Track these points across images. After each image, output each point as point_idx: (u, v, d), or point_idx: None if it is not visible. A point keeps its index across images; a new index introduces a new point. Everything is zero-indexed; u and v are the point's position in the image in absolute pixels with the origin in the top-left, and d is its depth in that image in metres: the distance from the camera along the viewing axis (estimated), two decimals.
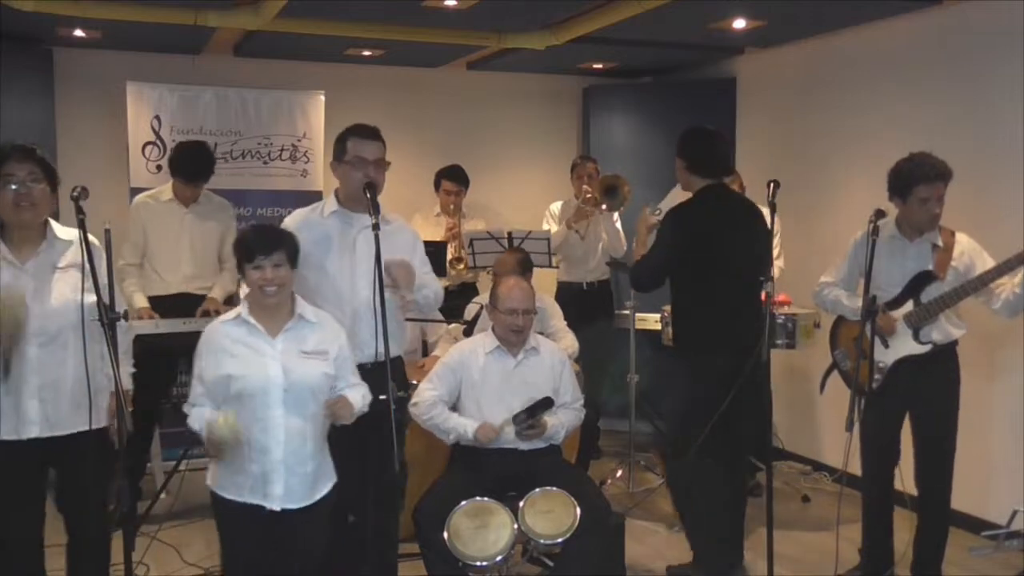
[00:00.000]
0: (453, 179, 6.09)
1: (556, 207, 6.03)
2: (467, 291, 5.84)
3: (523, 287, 3.92)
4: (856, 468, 3.86)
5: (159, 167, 5.82)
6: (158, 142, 5.86)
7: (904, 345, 3.80)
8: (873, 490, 3.94)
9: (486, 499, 3.59)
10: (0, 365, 2.99)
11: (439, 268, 5.55)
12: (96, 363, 3.06)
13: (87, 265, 2.88)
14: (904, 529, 3.98)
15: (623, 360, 5.52)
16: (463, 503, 3.55)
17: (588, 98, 7.09)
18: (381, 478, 3.34)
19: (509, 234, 5.48)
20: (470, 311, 4.87)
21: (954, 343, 3.83)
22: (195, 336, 3.11)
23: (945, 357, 3.83)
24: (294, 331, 3.01)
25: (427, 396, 3.87)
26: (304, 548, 3.07)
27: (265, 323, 2.99)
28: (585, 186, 5.75)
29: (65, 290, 3.07)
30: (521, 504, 3.58)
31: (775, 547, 3.61)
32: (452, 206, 6.07)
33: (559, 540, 3.52)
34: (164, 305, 4.84)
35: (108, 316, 2.79)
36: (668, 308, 4.58)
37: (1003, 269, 3.61)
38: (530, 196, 6.82)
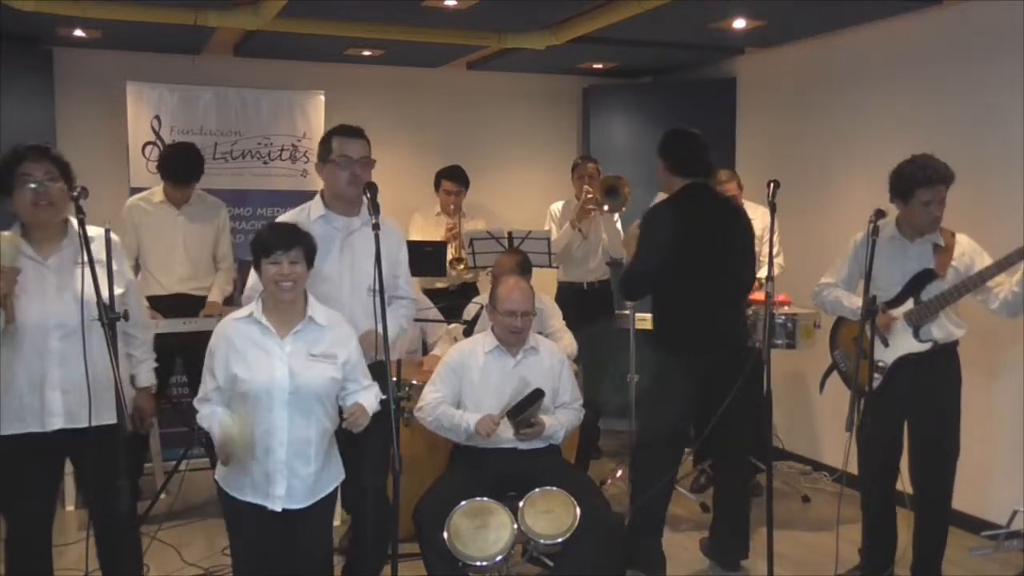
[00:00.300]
0: (453, 179, 6.09)
1: (557, 207, 6.03)
2: (467, 291, 5.85)
3: (523, 288, 3.92)
4: (856, 468, 3.86)
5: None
6: (158, 142, 5.86)
7: (904, 344, 3.80)
8: (873, 490, 3.94)
9: (486, 499, 3.59)
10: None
11: (439, 268, 5.56)
12: (120, 358, 3.11)
13: (87, 265, 2.88)
14: (904, 529, 3.98)
15: (623, 360, 5.52)
16: (463, 503, 3.55)
17: (588, 98, 7.09)
18: (376, 475, 3.36)
19: (509, 234, 5.48)
20: (470, 311, 4.87)
21: (955, 343, 3.83)
22: (194, 336, 3.12)
23: (946, 357, 3.82)
24: (304, 333, 3.02)
25: (431, 399, 3.87)
26: (307, 548, 3.09)
27: (276, 323, 3.00)
28: (586, 186, 5.75)
29: (85, 286, 3.07)
30: (521, 504, 3.58)
31: (775, 547, 3.61)
32: (452, 206, 6.06)
33: (559, 540, 3.51)
34: (161, 306, 4.85)
35: (108, 316, 2.79)
36: None
37: (1003, 265, 3.61)
38: (530, 196, 6.83)
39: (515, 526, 3.51)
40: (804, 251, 5.52)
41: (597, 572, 3.59)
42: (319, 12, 5.20)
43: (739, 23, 5.33)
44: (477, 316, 4.65)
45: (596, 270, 6.01)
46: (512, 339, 3.88)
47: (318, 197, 3.56)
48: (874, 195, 3.97)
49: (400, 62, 6.63)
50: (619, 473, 5.55)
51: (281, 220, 3.50)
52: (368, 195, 3.27)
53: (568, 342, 4.81)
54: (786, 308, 5.03)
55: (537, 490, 3.63)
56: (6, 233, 2.98)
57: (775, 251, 5.39)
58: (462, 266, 5.90)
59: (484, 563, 3.45)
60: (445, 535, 3.47)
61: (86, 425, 2.99)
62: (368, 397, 3.09)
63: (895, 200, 3.76)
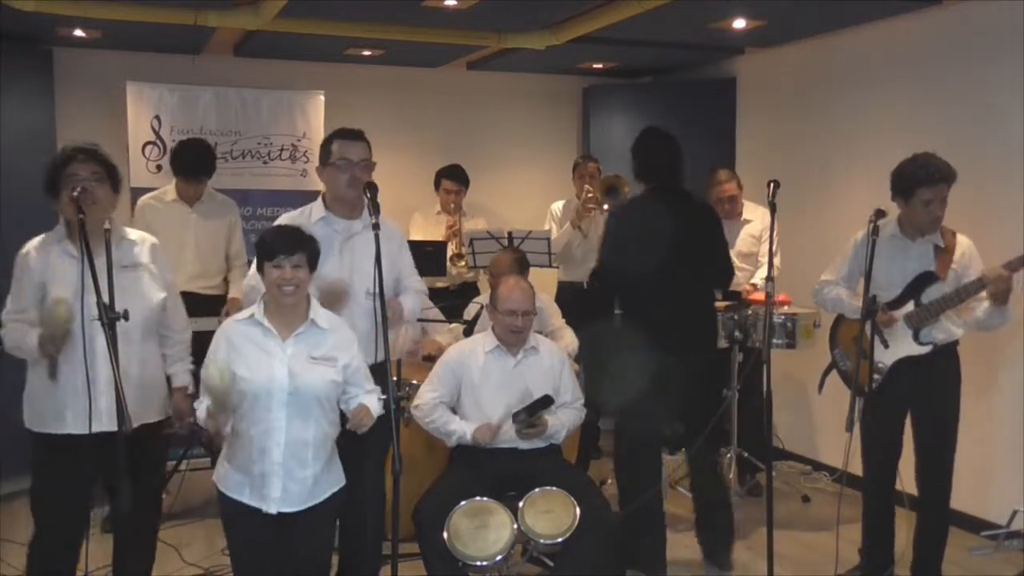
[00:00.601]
0: (453, 178, 6.10)
1: (558, 207, 6.03)
2: (468, 291, 5.85)
3: (523, 288, 3.92)
4: (856, 468, 3.86)
5: (159, 167, 5.83)
6: (158, 142, 5.87)
7: (904, 345, 3.80)
8: (873, 490, 3.94)
9: (486, 499, 3.59)
10: (47, 366, 3.06)
11: (439, 268, 5.56)
12: (157, 360, 3.25)
13: (87, 265, 2.89)
14: (904, 529, 3.98)
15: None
16: (463, 503, 3.55)
17: (588, 98, 7.08)
18: (377, 476, 3.36)
19: (509, 234, 5.48)
20: (470, 311, 4.87)
21: (955, 343, 3.83)
22: (200, 336, 3.13)
23: (945, 357, 3.82)
24: (305, 336, 3.02)
25: (428, 399, 3.87)
26: (304, 554, 3.07)
27: (278, 325, 3.00)
28: (587, 186, 5.76)
29: (126, 288, 3.11)
30: (521, 504, 3.58)
31: (775, 547, 3.61)
32: (452, 205, 6.07)
33: (559, 540, 3.51)
34: None
35: (108, 316, 2.79)
36: None
37: (1012, 268, 3.60)
38: (530, 196, 6.82)
39: (515, 526, 3.51)
40: (804, 251, 5.52)
41: (597, 572, 3.59)
42: (319, 12, 5.20)
43: (739, 23, 5.33)
44: (477, 316, 4.65)
45: None
46: (512, 339, 3.88)
47: (320, 199, 3.57)
48: (874, 195, 3.97)
49: (400, 62, 6.63)
50: None
51: (281, 221, 3.51)
52: (368, 195, 3.28)
53: (569, 340, 4.81)
54: (786, 308, 5.03)
55: (537, 490, 3.63)
56: (61, 298, 2.99)
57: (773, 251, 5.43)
58: (463, 263, 5.90)
59: (484, 563, 3.45)
60: (445, 535, 3.47)
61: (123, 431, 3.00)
62: (371, 400, 3.08)
63: (896, 199, 3.75)
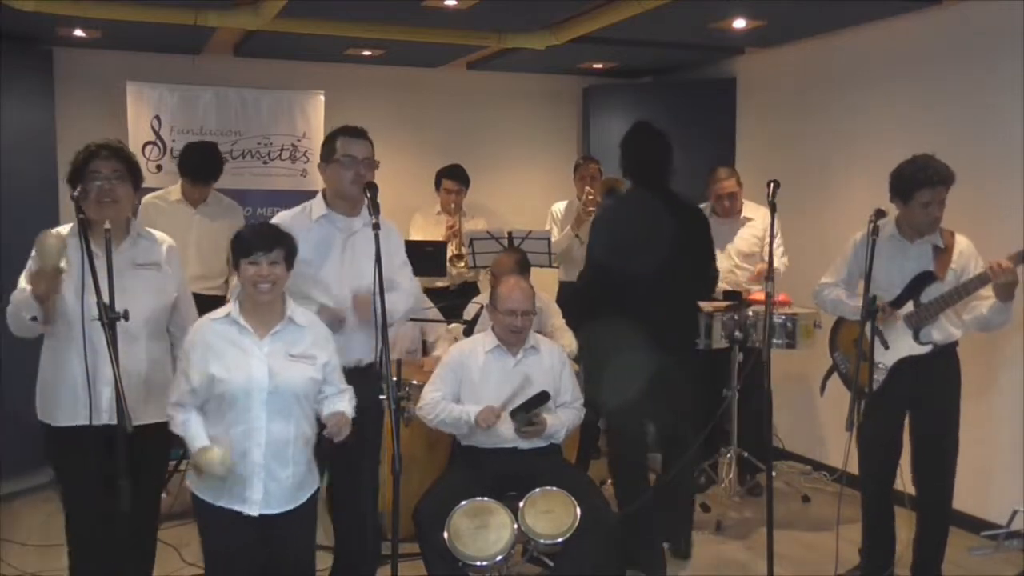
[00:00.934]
0: (454, 178, 6.10)
1: (559, 207, 6.02)
2: (468, 290, 5.85)
3: (523, 288, 3.93)
4: (856, 468, 3.86)
5: (159, 167, 5.83)
6: (158, 142, 5.87)
7: (904, 346, 3.80)
8: (873, 490, 3.95)
9: (486, 499, 3.59)
10: (40, 313, 3.01)
11: (439, 268, 5.56)
12: (164, 360, 3.22)
13: (86, 265, 2.89)
14: (904, 529, 3.98)
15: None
16: (463, 503, 3.55)
17: (588, 98, 7.09)
18: (373, 476, 3.38)
19: (509, 234, 5.48)
20: (470, 311, 4.87)
21: (954, 343, 3.83)
22: None
23: (945, 357, 3.83)
24: (283, 333, 2.97)
25: (431, 398, 3.88)
26: (289, 556, 3.02)
27: (254, 324, 2.95)
28: (588, 187, 5.76)
29: (140, 286, 3.13)
30: (521, 504, 3.58)
31: (775, 547, 3.61)
32: (453, 205, 6.08)
33: (559, 540, 3.52)
34: None
35: (108, 316, 2.79)
36: None
37: (1016, 261, 3.60)
38: (530, 196, 6.83)
39: (515, 526, 3.51)
40: (804, 251, 5.51)
41: (597, 572, 3.59)
42: (319, 12, 5.20)
43: (739, 23, 5.33)
44: (477, 316, 4.65)
45: None
46: (513, 338, 3.89)
47: (319, 197, 3.56)
48: (874, 195, 3.97)
49: (400, 62, 6.63)
50: None
51: (281, 218, 3.51)
52: (368, 195, 3.28)
53: (568, 339, 4.81)
54: (786, 308, 5.03)
55: (537, 490, 3.63)
56: (53, 231, 2.99)
57: (780, 250, 5.44)
58: (462, 263, 5.90)
59: (484, 563, 3.45)
60: (445, 535, 3.47)
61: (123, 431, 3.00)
62: (344, 403, 3.04)
63: (895, 200, 3.75)
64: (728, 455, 5.27)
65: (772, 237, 3.79)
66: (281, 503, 2.94)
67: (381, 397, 3.06)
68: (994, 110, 4.66)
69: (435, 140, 6.86)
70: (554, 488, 3.63)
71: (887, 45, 5.28)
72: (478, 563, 3.45)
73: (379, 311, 3.12)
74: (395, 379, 3.53)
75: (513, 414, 3.75)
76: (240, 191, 5.95)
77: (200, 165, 5.00)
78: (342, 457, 3.55)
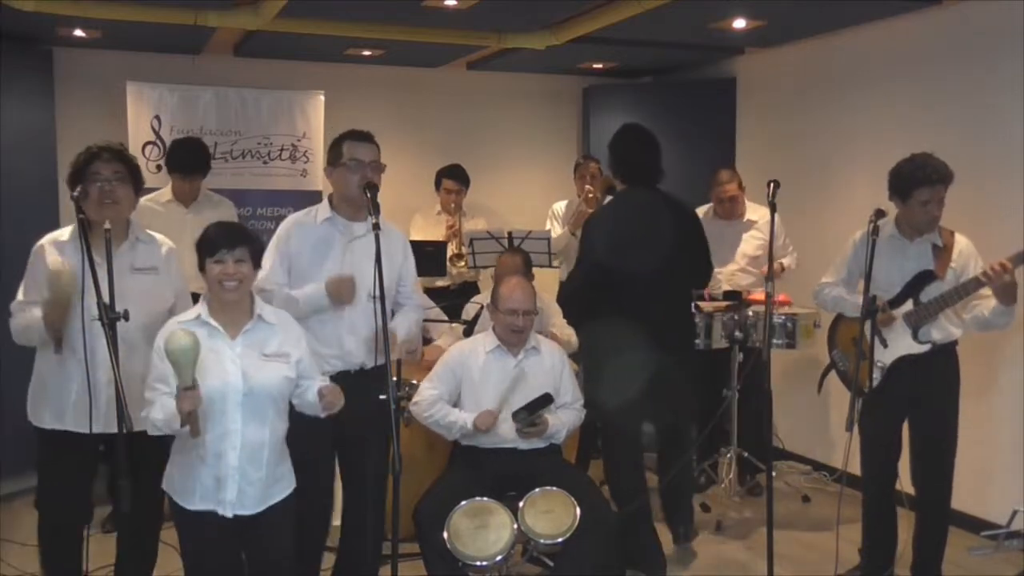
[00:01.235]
0: (454, 178, 6.10)
1: (560, 206, 6.02)
2: (468, 290, 5.85)
3: (524, 288, 3.93)
4: (856, 468, 3.86)
5: (159, 167, 5.82)
6: (158, 142, 5.87)
7: (903, 344, 3.80)
8: (873, 490, 3.95)
9: (486, 499, 3.59)
10: (51, 340, 3.04)
11: (439, 268, 5.56)
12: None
13: (87, 265, 2.89)
14: (904, 529, 3.98)
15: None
16: (463, 503, 3.55)
17: (588, 98, 7.09)
18: (377, 477, 3.38)
19: (509, 234, 5.48)
20: (469, 311, 4.87)
21: (954, 342, 3.83)
22: None
23: (945, 356, 3.83)
24: (253, 333, 2.94)
25: (427, 395, 3.87)
26: (267, 555, 3.01)
27: (224, 323, 2.92)
28: (588, 186, 5.76)
29: (137, 291, 3.12)
30: (521, 504, 3.58)
31: (775, 547, 3.61)
32: (453, 205, 6.08)
33: (559, 540, 3.52)
34: None
35: (108, 316, 2.79)
36: None
37: (1015, 262, 3.60)
38: (530, 196, 6.82)
39: (515, 526, 3.51)
40: (804, 251, 5.52)
41: (597, 572, 3.60)
42: (319, 12, 5.20)
43: (739, 23, 5.33)
44: (477, 316, 4.65)
45: None
46: (513, 338, 3.89)
47: (325, 200, 3.59)
48: (874, 195, 3.97)
49: (400, 62, 6.63)
50: None
51: (287, 222, 3.56)
52: (368, 195, 3.28)
53: (569, 334, 4.80)
54: (786, 308, 5.03)
55: (537, 490, 3.63)
56: (68, 266, 3.00)
57: (789, 249, 5.44)
58: (462, 263, 5.90)
59: (484, 563, 3.45)
60: (445, 535, 3.47)
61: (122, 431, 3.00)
62: (324, 381, 3.05)
63: (894, 199, 3.75)
64: (728, 455, 5.28)
65: (772, 237, 3.78)
66: (254, 504, 2.91)
67: (381, 397, 3.06)
68: (994, 110, 4.66)
69: (435, 140, 6.86)
70: (554, 488, 3.63)
71: (887, 45, 5.28)
72: (478, 563, 3.45)
73: (379, 311, 3.13)
74: (395, 379, 3.52)
75: (515, 415, 3.75)
76: (240, 191, 5.95)
77: (185, 158, 5.01)
78: (346, 458, 3.56)
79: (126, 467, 2.73)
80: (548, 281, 5.94)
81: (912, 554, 3.96)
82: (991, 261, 3.61)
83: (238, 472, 2.86)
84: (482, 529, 3.50)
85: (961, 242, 3.79)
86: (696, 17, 5.18)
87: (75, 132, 5.95)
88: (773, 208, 3.59)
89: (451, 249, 5.90)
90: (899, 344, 3.80)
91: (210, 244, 2.91)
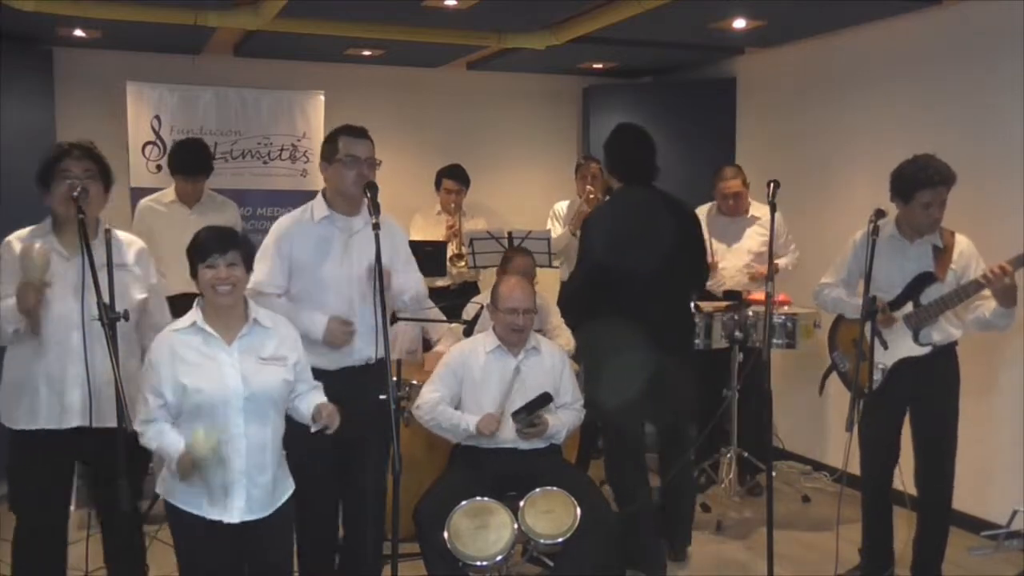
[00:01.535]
0: (454, 178, 6.10)
1: (561, 206, 6.02)
2: (468, 290, 5.84)
3: (524, 287, 3.93)
4: (856, 468, 3.86)
5: (159, 167, 5.83)
6: (158, 142, 5.87)
7: (904, 346, 3.80)
8: (873, 490, 3.94)
9: (486, 499, 3.59)
10: (26, 326, 3.02)
11: (439, 268, 5.56)
12: (132, 362, 3.16)
13: (86, 264, 2.90)
14: (904, 529, 3.98)
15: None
16: (463, 503, 3.55)
17: (588, 98, 7.08)
18: (377, 477, 3.38)
19: (509, 234, 5.48)
20: (469, 311, 4.86)
21: (953, 344, 3.83)
22: None
23: (945, 357, 3.82)
24: (249, 337, 2.92)
25: (429, 398, 3.87)
26: (269, 559, 2.99)
27: (219, 329, 2.89)
28: (588, 187, 5.75)
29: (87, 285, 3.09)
30: (521, 504, 3.58)
31: (775, 547, 3.61)
32: (453, 205, 6.08)
33: (559, 540, 3.51)
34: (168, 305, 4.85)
35: (108, 316, 2.79)
36: None
37: (1015, 265, 3.60)
38: (530, 196, 6.82)
39: (515, 526, 3.51)
40: (804, 251, 5.52)
41: (597, 572, 3.60)
42: (319, 12, 5.20)
43: (739, 23, 5.33)
44: (477, 316, 4.65)
45: None
46: (514, 338, 3.88)
47: (320, 197, 3.56)
48: (874, 195, 3.97)
49: (400, 62, 6.63)
50: None
51: (281, 221, 3.53)
52: (368, 195, 3.28)
53: (566, 339, 4.81)
54: (786, 308, 5.03)
55: (537, 490, 3.63)
56: (39, 246, 2.99)
57: (791, 247, 5.44)
58: (463, 263, 5.90)
59: (484, 563, 3.45)
60: (445, 535, 3.47)
61: (104, 425, 3.00)
62: (321, 397, 3.03)
63: (895, 200, 3.75)
64: (728, 455, 5.28)
65: (772, 236, 3.78)
66: (262, 508, 2.90)
67: (382, 397, 3.06)
68: (994, 110, 4.66)
69: (435, 140, 6.86)
70: (554, 488, 3.63)
71: (887, 45, 5.28)
72: (478, 563, 3.45)
73: (379, 311, 3.13)
74: (395, 379, 3.52)
75: (515, 415, 3.75)
76: (240, 191, 5.95)
77: (188, 160, 5.00)
78: (347, 458, 3.55)
79: (125, 467, 2.72)
80: (548, 281, 5.95)
81: (912, 554, 3.95)
82: (991, 263, 3.61)
83: (245, 476, 2.84)
84: (482, 529, 3.49)
85: (962, 243, 3.79)
86: (696, 17, 5.18)
87: (75, 132, 5.89)
88: (773, 208, 3.58)
89: (451, 249, 5.90)
90: (900, 346, 3.80)
91: (201, 249, 2.89)
